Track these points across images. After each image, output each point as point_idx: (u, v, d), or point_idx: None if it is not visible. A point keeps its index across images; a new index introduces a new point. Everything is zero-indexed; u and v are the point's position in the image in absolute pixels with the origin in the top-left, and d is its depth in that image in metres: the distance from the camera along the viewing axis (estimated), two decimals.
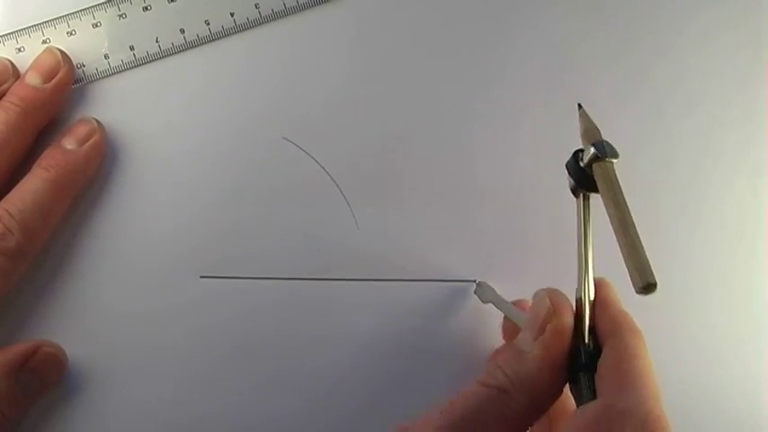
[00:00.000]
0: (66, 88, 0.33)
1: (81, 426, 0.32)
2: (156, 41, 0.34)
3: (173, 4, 0.34)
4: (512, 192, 0.34)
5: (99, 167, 0.33)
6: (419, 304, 0.33)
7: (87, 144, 0.32)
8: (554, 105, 0.35)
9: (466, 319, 0.33)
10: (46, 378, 0.31)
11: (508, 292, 0.34)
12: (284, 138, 0.34)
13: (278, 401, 0.32)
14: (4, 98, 0.32)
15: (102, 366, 0.33)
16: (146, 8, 0.34)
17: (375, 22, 0.35)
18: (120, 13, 0.34)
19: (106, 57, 0.34)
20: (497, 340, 0.33)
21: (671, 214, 0.34)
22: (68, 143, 0.32)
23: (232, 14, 0.35)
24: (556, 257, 0.34)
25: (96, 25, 0.34)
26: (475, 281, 0.34)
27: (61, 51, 0.33)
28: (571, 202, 0.34)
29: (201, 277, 0.33)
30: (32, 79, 0.32)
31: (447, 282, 0.33)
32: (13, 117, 0.31)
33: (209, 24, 0.34)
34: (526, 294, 0.34)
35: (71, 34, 0.34)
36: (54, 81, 0.32)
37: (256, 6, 0.35)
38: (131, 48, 0.34)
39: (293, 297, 0.33)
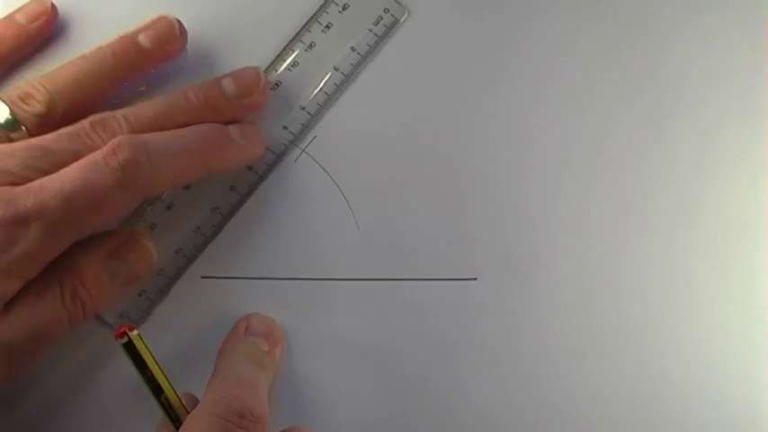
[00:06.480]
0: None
1: (81, 425, 0.32)
2: None
3: None
4: (512, 191, 0.34)
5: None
6: (419, 304, 0.33)
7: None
8: (554, 105, 0.35)
9: (466, 318, 0.33)
10: (134, 269, 0.31)
11: (508, 292, 0.34)
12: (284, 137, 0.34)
13: (277, 401, 0.32)
14: None
15: (102, 366, 0.33)
16: None
17: None
18: None
19: None
20: (497, 339, 0.33)
21: (671, 213, 0.34)
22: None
23: None
24: (556, 257, 0.34)
25: None
26: (475, 279, 0.34)
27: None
28: (572, 200, 0.34)
29: (202, 277, 0.33)
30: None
31: (447, 280, 0.33)
32: None
33: None
34: (526, 294, 0.34)
35: None
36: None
37: None
38: None
39: (293, 297, 0.33)
